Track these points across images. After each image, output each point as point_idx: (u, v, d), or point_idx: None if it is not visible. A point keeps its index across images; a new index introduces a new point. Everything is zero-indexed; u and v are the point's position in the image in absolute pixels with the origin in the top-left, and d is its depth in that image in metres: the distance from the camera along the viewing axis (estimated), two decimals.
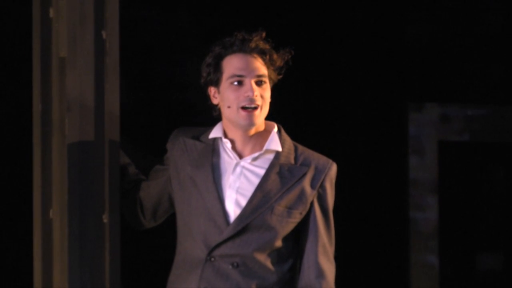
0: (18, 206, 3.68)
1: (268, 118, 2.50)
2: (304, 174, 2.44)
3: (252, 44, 2.42)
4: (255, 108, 2.41)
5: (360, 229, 4.57)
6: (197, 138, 2.51)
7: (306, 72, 4.38)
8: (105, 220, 2.41)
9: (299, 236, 2.47)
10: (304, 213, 2.44)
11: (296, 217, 2.43)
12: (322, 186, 2.46)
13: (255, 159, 2.44)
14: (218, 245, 2.39)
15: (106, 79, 2.44)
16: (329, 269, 2.45)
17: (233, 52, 2.42)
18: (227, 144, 2.45)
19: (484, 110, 4.78)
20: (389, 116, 4.66)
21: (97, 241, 2.40)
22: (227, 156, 2.46)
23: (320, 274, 2.43)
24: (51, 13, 2.45)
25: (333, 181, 2.50)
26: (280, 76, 2.48)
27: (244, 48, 2.42)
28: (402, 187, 4.69)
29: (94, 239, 2.40)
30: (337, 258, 2.50)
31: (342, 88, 4.54)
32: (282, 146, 2.46)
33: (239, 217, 2.39)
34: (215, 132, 2.49)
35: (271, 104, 2.47)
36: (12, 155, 3.76)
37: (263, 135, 2.47)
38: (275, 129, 2.49)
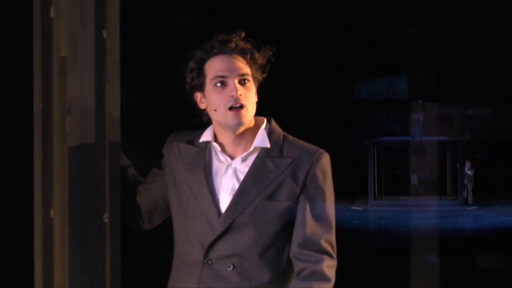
0: (19, 206, 3.67)
1: (266, 113, 2.50)
2: (289, 165, 2.42)
3: (232, 45, 2.42)
4: (241, 107, 2.39)
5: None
6: (191, 142, 2.52)
7: (304, 71, 4.38)
8: (106, 220, 2.41)
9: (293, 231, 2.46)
10: (292, 204, 2.42)
11: (285, 208, 2.41)
12: (310, 175, 2.43)
13: (244, 159, 2.44)
14: (212, 245, 2.39)
15: (106, 79, 2.43)
16: (316, 257, 2.38)
17: (214, 54, 2.42)
18: (217, 148, 2.45)
19: (484, 110, 4.79)
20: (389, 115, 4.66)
21: (98, 241, 2.40)
22: (219, 159, 2.46)
23: (307, 264, 2.38)
24: (52, 12, 2.44)
25: (325, 169, 2.45)
26: (265, 75, 2.47)
27: (224, 50, 2.42)
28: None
29: (94, 239, 2.39)
30: (336, 257, 2.49)
31: (342, 87, 4.54)
32: (270, 139, 2.45)
33: (226, 213, 2.39)
34: (206, 136, 2.49)
35: (271, 102, 2.46)
36: (13, 155, 3.76)
37: (253, 133, 2.46)
38: (264, 124, 2.48)
